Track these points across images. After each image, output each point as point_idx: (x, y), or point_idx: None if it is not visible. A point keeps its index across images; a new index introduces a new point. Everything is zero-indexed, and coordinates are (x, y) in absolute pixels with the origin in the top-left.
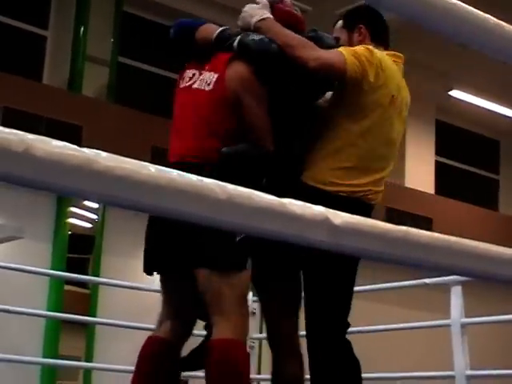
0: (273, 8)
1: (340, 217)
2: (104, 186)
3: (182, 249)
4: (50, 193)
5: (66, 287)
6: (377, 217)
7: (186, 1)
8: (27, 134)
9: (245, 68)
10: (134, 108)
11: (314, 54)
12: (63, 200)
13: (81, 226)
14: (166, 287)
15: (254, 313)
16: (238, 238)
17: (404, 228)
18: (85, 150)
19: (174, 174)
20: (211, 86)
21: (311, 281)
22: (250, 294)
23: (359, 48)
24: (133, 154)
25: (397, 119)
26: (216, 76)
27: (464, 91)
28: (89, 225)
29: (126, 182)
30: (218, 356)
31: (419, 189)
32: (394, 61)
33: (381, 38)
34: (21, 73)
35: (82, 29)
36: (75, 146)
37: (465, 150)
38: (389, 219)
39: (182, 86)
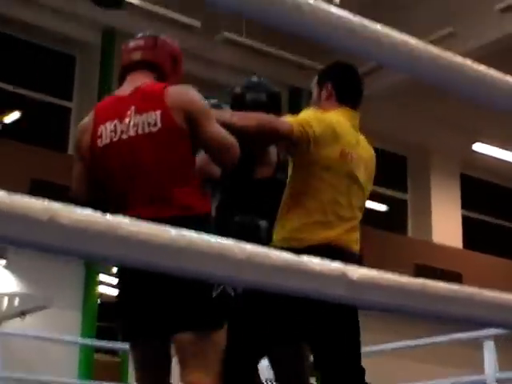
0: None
1: (357, 271)
2: (127, 250)
3: (162, 313)
4: (78, 261)
5: (97, 355)
6: (406, 273)
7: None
8: (52, 202)
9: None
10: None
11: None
12: (92, 268)
13: (110, 294)
14: (143, 356)
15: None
16: (214, 294)
17: (421, 280)
18: (108, 216)
19: (194, 236)
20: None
21: (320, 343)
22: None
23: (306, 112)
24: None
25: (358, 173)
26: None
27: (488, 144)
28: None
29: (149, 246)
30: None
31: (447, 244)
32: (349, 119)
33: (346, 97)
34: (46, 145)
35: None
36: (99, 213)
37: (490, 203)
38: (418, 276)
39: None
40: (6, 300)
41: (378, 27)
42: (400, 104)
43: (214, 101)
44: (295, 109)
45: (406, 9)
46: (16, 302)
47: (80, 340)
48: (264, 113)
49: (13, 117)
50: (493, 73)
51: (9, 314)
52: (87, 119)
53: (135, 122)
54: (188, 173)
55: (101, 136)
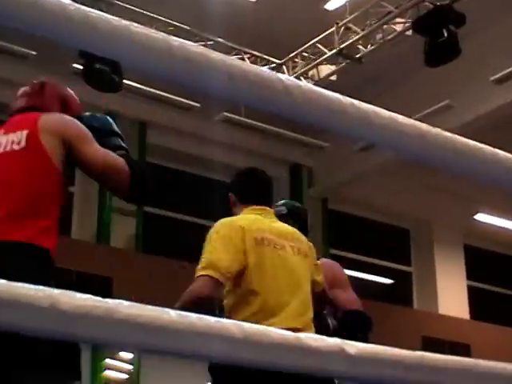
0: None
1: (355, 346)
2: (127, 333)
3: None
4: (83, 346)
5: None
6: (413, 346)
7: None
8: (53, 289)
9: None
10: (161, 256)
11: None
12: (98, 353)
13: (116, 378)
14: None
15: None
16: None
17: (420, 353)
18: (108, 300)
19: (194, 317)
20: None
21: None
22: None
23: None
24: (164, 300)
25: (284, 253)
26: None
27: (489, 214)
28: (124, 375)
29: (148, 328)
30: None
31: (454, 315)
32: (257, 212)
33: (248, 199)
34: None
35: None
36: (99, 298)
37: (495, 273)
38: (425, 348)
39: None
40: None
41: (368, 107)
42: (400, 178)
43: None
44: (296, 186)
45: (404, 83)
46: None
47: None
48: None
49: None
50: (483, 147)
51: None
52: None
53: (0, 141)
54: (46, 202)
55: None
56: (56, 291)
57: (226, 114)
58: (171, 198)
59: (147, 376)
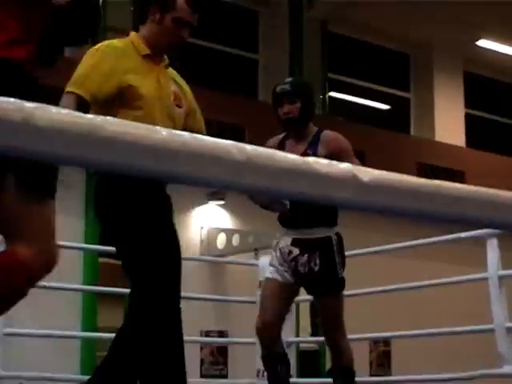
0: None
1: (368, 173)
2: (113, 153)
3: None
4: (79, 171)
5: (101, 259)
6: (408, 172)
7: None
8: (26, 102)
9: None
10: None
11: None
12: (93, 175)
13: None
14: None
15: None
16: None
17: (437, 182)
18: (89, 116)
19: (188, 136)
20: None
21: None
22: None
23: None
24: None
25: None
26: None
27: (492, 41)
28: None
29: (137, 149)
30: None
31: (450, 142)
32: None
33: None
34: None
35: None
36: (79, 113)
37: (494, 101)
38: (420, 174)
39: None
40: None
41: None
42: (402, 1)
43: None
44: (295, 7)
45: None
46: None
47: (85, 246)
48: None
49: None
50: None
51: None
52: None
53: None
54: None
55: None
56: (29, 104)
57: None
58: None
59: None
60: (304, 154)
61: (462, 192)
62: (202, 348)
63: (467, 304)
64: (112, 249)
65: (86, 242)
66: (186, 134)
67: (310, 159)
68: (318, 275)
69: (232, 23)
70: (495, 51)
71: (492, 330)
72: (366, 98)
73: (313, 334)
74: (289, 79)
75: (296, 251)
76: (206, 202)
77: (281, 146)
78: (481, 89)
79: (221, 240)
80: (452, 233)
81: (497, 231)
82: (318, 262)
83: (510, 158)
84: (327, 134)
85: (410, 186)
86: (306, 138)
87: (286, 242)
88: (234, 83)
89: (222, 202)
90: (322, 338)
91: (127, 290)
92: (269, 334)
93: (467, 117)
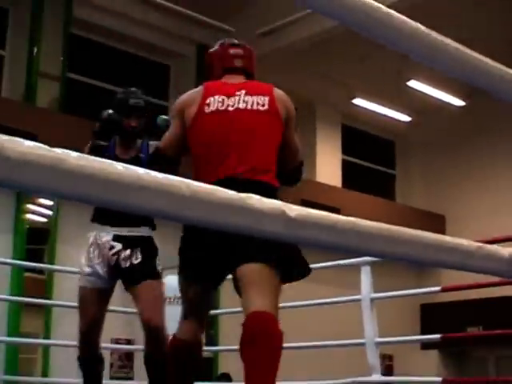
0: None
1: (295, 210)
2: (74, 184)
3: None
4: (9, 191)
5: (26, 274)
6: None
7: (128, 23)
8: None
9: None
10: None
11: None
12: (22, 198)
13: (38, 221)
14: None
15: None
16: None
17: (353, 219)
18: (56, 149)
19: (141, 171)
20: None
21: None
22: None
23: None
24: None
25: None
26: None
27: (365, 99)
28: (44, 219)
29: (95, 180)
30: None
31: (328, 183)
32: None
33: None
34: None
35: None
36: (46, 146)
37: (366, 150)
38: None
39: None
40: None
41: None
42: (292, 63)
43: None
44: (202, 64)
45: None
46: None
47: (12, 261)
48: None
49: None
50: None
51: None
52: (194, 93)
53: (245, 100)
54: (274, 153)
55: (209, 104)
56: (2, 137)
57: None
58: (93, 67)
59: (64, 220)
60: (137, 158)
61: (373, 228)
62: (111, 353)
63: (342, 322)
64: (35, 264)
65: (14, 258)
66: (139, 169)
67: (243, 195)
68: (139, 266)
69: None
70: (367, 109)
71: (363, 344)
72: None
73: (207, 344)
74: (139, 93)
75: (118, 246)
76: None
77: (107, 151)
78: (356, 139)
79: None
80: (330, 260)
81: (370, 259)
82: (139, 256)
83: (378, 197)
84: (152, 143)
85: (329, 221)
86: (136, 146)
87: (106, 237)
88: None
89: None
90: (217, 348)
91: (47, 301)
92: (89, 338)
93: (344, 162)
